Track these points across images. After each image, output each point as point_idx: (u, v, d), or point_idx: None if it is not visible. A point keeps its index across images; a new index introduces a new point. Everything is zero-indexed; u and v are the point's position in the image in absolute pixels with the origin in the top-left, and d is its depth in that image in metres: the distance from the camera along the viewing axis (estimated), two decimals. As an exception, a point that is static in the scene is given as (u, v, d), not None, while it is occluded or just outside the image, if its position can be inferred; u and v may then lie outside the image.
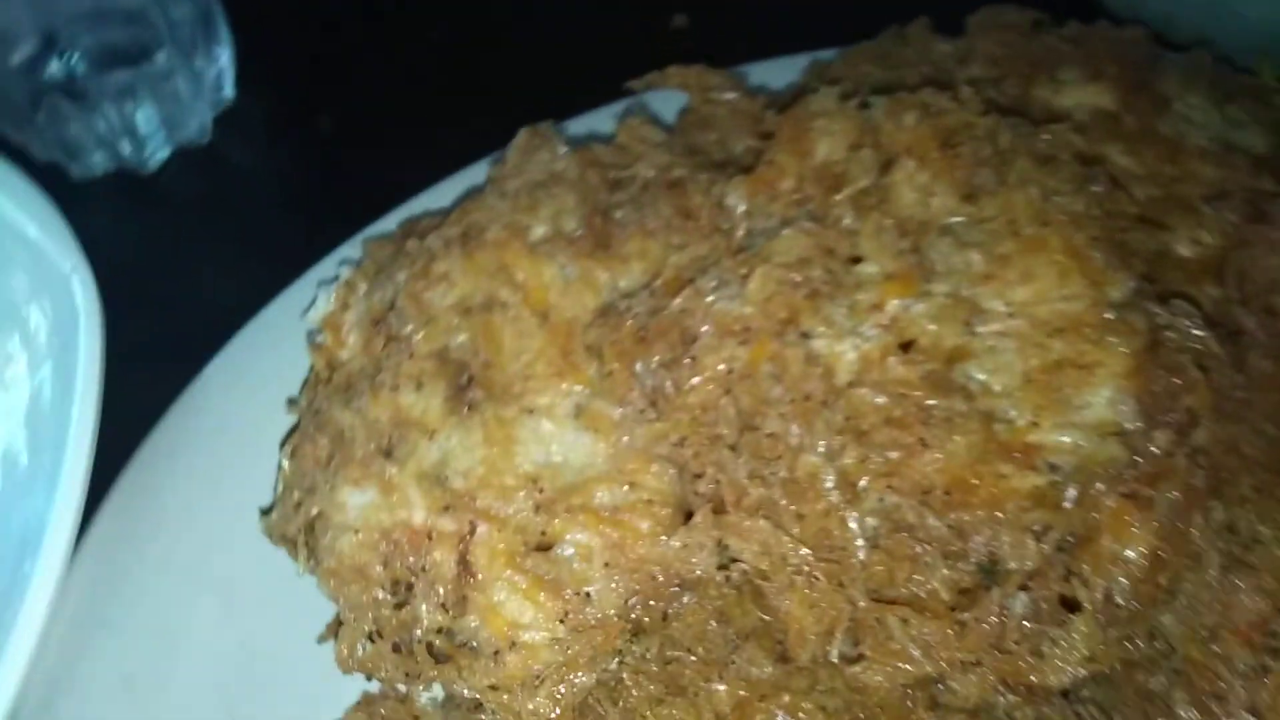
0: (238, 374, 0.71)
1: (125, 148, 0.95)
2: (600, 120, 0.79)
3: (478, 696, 0.54)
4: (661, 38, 1.01)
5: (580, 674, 0.53)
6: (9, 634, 0.61)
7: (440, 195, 0.78)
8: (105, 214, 0.93)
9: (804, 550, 0.52)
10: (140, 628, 0.64)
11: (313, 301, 0.69)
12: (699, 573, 0.55)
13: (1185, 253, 0.61)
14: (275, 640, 0.64)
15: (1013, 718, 0.54)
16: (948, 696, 0.54)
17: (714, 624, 0.56)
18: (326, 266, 0.76)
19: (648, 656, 0.55)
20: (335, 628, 0.64)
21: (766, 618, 0.56)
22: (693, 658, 0.55)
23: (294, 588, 0.63)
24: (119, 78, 0.90)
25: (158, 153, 0.97)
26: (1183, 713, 0.54)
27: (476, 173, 0.78)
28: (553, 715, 0.53)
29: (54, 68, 0.90)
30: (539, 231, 0.66)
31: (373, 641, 0.56)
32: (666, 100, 0.78)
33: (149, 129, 0.95)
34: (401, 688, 0.63)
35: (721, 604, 0.57)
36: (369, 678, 0.58)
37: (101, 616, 0.64)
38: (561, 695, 0.53)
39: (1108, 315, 0.55)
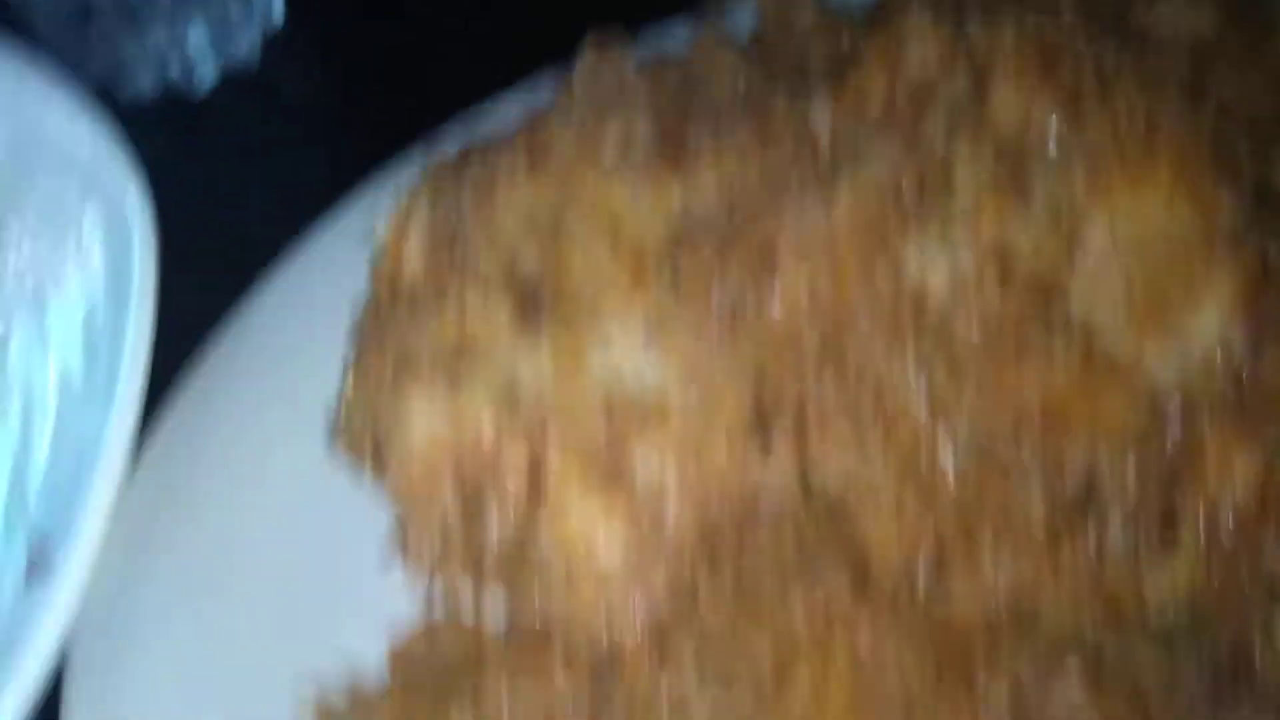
0: (295, 292, 0.69)
1: (174, 71, 0.93)
2: (669, 36, 0.76)
3: (545, 621, 0.52)
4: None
5: (654, 599, 0.52)
6: (68, 550, 0.60)
7: (501, 115, 0.76)
8: (154, 134, 0.91)
9: (890, 473, 0.50)
10: (199, 545, 0.63)
11: (371, 225, 0.67)
12: (777, 497, 0.53)
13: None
14: (338, 562, 0.63)
15: (1101, 651, 0.52)
16: (1035, 627, 0.52)
17: (792, 552, 0.54)
18: (383, 193, 0.74)
19: (723, 582, 0.53)
20: (401, 541, 0.63)
21: (846, 545, 0.54)
22: (770, 584, 0.53)
23: (359, 511, 0.62)
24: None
25: (207, 76, 0.95)
26: (1281, 648, 0.51)
27: (541, 91, 0.75)
28: (625, 640, 0.51)
29: (105, -14, 0.88)
30: (608, 152, 0.64)
31: (439, 560, 0.55)
32: (740, 17, 0.75)
33: (198, 52, 0.94)
34: (465, 614, 0.62)
35: (799, 534, 0.55)
36: (432, 599, 0.56)
37: (160, 533, 0.63)
38: (635, 620, 0.51)
39: (1217, 239, 0.52)
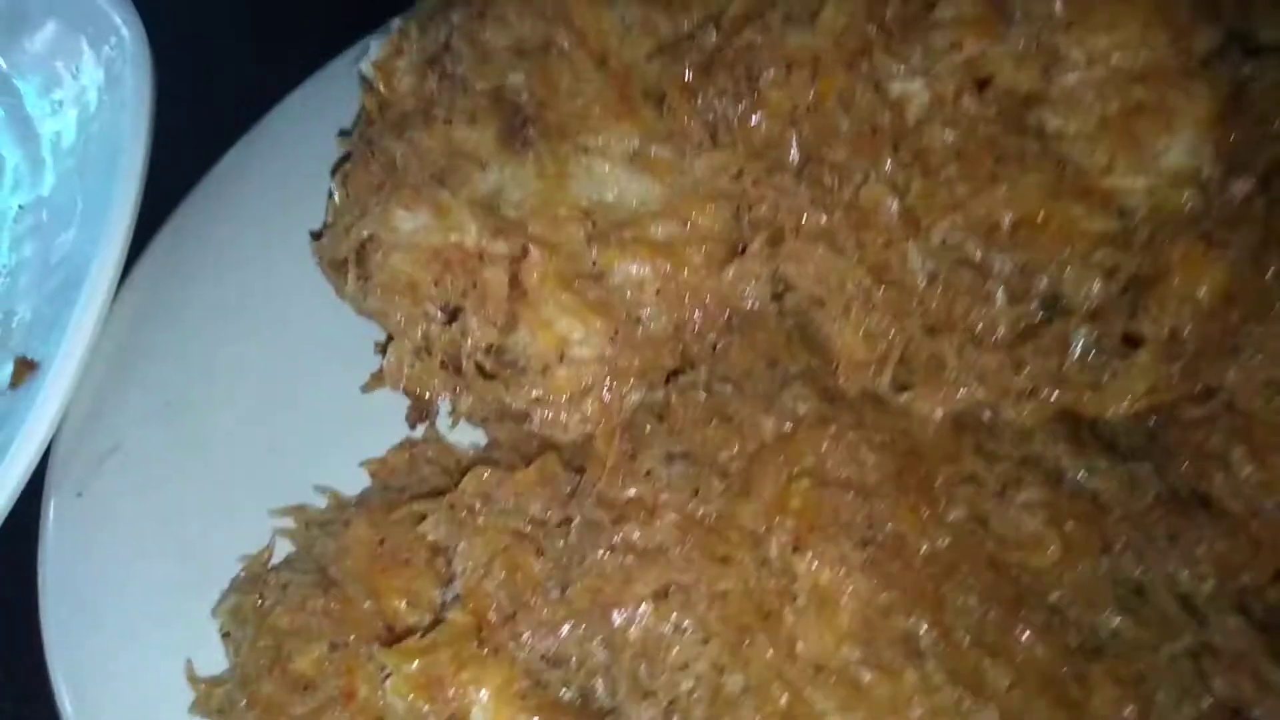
0: (292, 122, 0.70)
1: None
2: None
3: (524, 409, 0.53)
4: None
5: (627, 389, 0.53)
6: (59, 350, 0.61)
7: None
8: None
9: (861, 277, 0.51)
10: (184, 357, 0.64)
11: (365, 49, 0.68)
12: (752, 303, 0.54)
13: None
14: (320, 381, 0.64)
15: (1062, 467, 0.54)
16: (995, 443, 0.53)
17: (762, 365, 0.55)
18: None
19: (696, 384, 0.54)
20: (377, 385, 0.64)
21: (815, 360, 0.55)
22: (740, 391, 0.55)
23: (344, 332, 0.63)
24: None
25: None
26: (1240, 470, 0.53)
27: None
28: (597, 425, 0.52)
29: None
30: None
31: (421, 360, 0.56)
32: None
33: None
34: (443, 429, 0.63)
35: (770, 347, 0.56)
36: (415, 396, 0.58)
37: (147, 343, 0.64)
38: (607, 406, 0.52)
39: (1192, 64, 0.53)
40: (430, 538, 0.55)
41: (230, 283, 0.66)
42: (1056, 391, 0.50)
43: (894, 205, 0.52)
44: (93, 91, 0.72)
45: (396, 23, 0.69)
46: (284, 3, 0.92)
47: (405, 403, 0.65)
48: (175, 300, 0.66)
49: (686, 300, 0.54)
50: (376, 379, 0.64)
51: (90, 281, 0.63)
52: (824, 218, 0.53)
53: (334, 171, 0.62)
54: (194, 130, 0.76)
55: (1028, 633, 0.47)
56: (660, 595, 0.48)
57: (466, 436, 0.64)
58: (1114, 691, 0.46)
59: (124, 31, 0.72)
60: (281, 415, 0.63)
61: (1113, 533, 0.52)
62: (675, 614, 0.48)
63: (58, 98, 0.74)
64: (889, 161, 0.53)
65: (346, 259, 0.58)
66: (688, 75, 0.57)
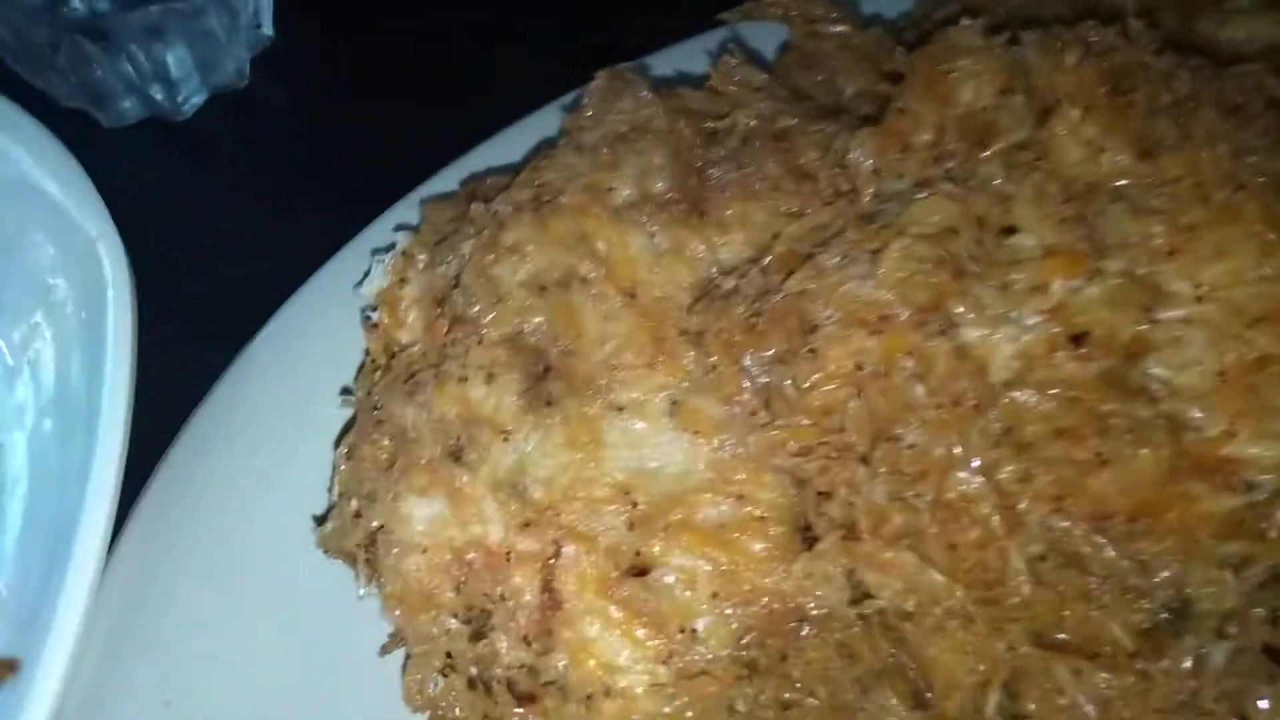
0: (283, 354, 0.63)
1: (157, 93, 0.87)
2: (688, 57, 0.69)
3: (567, 747, 0.47)
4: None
5: (687, 724, 0.46)
6: (44, 645, 0.55)
7: (507, 147, 0.69)
8: (137, 164, 0.85)
9: (955, 587, 0.44)
10: (180, 646, 0.57)
11: (366, 273, 0.61)
12: (825, 609, 0.47)
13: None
14: (330, 662, 0.57)
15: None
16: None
17: (839, 662, 0.48)
18: (379, 231, 0.68)
19: (762, 700, 0.47)
20: (397, 645, 0.57)
21: (901, 656, 0.48)
22: (815, 701, 0.47)
23: (351, 603, 0.56)
24: (145, 15, 0.82)
25: (193, 98, 0.89)
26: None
27: (548, 121, 0.69)
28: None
29: (75, 5, 0.82)
30: (624, 194, 0.58)
31: (445, 676, 0.49)
32: (765, 34, 0.67)
33: (181, 72, 0.87)
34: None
35: (847, 639, 0.49)
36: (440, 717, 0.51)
37: (139, 633, 0.57)
38: (667, 749, 0.45)
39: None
40: None
41: (228, 554, 0.59)
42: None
43: (987, 497, 0.45)
44: (69, 322, 0.65)
45: (400, 239, 0.62)
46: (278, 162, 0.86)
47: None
48: (168, 576, 0.59)
49: (749, 604, 0.47)
50: (394, 643, 0.58)
51: (75, 558, 0.57)
52: (906, 514, 0.45)
53: (338, 442, 0.55)
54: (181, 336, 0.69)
55: None
56: None
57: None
58: None
59: (100, 251, 0.65)
60: (293, 706, 0.56)
61: None
62: None
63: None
64: (977, 439, 0.45)
65: (355, 554, 0.51)
66: (732, 326, 0.50)
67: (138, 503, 0.60)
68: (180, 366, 0.66)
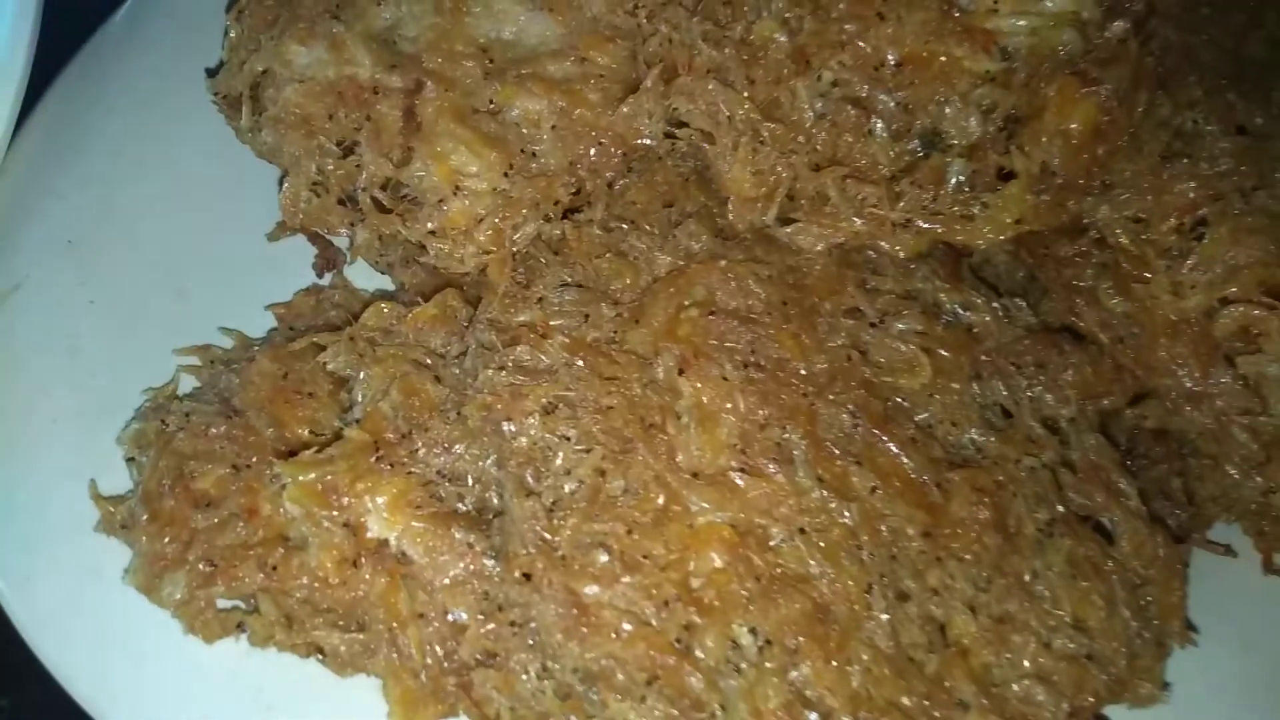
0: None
1: None
2: None
3: (420, 242, 0.54)
4: None
5: (521, 219, 0.54)
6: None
7: None
8: None
9: (751, 112, 0.52)
10: (87, 197, 0.64)
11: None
12: (646, 140, 0.55)
13: None
14: (226, 227, 0.64)
15: (939, 301, 0.56)
16: (878, 279, 0.56)
17: (659, 205, 0.57)
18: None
19: (591, 220, 0.56)
20: (282, 233, 0.65)
21: (710, 201, 0.57)
22: (636, 228, 0.56)
23: (250, 180, 0.63)
24: None
25: None
26: (1106, 301, 0.55)
27: None
28: (491, 254, 0.53)
29: None
30: None
31: (318, 195, 0.56)
32: None
33: None
34: (347, 277, 0.64)
35: (667, 188, 0.57)
36: (312, 232, 0.58)
37: (46, 182, 0.64)
38: (501, 236, 0.53)
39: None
40: (330, 367, 0.56)
41: (132, 125, 0.66)
42: (931, 223, 0.52)
43: (784, 41, 0.53)
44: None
45: None
46: None
47: (312, 251, 0.66)
48: (75, 142, 0.65)
49: (581, 136, 0.55)
50: (282, 227, 0.65)
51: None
52: (715, 51, 0.53)
53: (229, 8, 0.61)
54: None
55: (893, 444, 0.50)
56: (548, 409, 0.50)
57: (373, 283, 0.65)
58: (972, 496, 0.49)
59: None
60: (187, 259, 0.64)
61: (983, 360, 0.55)
62: (562, 426, 0.50)
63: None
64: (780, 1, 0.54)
65: (241, 94, 0.58)
66: (586, -89, 0.57)
67: (52, 81, 0.66)
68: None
